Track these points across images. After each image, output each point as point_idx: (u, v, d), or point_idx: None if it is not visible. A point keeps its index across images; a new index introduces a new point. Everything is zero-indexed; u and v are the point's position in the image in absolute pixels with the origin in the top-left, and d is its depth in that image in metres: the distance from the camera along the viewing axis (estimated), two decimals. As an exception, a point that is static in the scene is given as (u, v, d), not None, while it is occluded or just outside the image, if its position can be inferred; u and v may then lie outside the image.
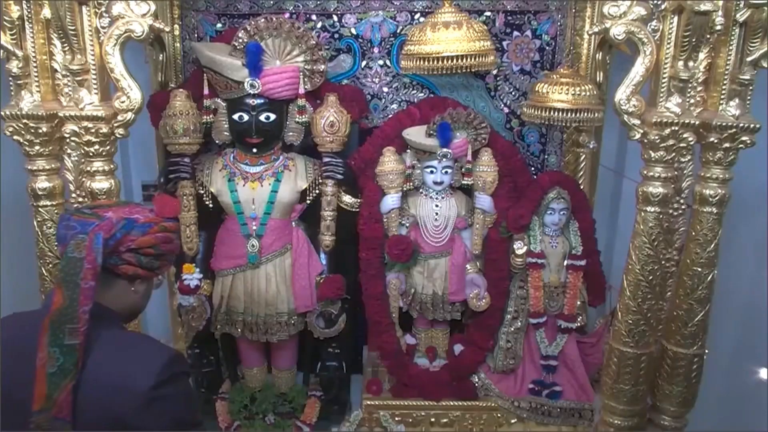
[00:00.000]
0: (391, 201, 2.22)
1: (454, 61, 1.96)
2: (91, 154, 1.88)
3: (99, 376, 1.23)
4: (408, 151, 2.22)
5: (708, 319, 2.08)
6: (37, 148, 1.88)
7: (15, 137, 1.87)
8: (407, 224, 2.27)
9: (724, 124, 1.85)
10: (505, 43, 2.33)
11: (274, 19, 2.05)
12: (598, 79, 2.22)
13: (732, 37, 1.82)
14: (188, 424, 1.31)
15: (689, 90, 1.86)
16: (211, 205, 2.21)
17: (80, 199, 1.99)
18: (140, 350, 1.30)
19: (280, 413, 2.35)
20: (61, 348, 1.20)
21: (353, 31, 2.33)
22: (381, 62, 2.37)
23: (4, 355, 1.26)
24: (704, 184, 1.95)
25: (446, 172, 2.19)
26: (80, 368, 1.22)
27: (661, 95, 1.82)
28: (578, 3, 2.26)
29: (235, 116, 2.10)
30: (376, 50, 2.35)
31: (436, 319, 2.34)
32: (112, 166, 1.93)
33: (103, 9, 1.80)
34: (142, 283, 1.39)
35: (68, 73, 1.85)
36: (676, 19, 1.76)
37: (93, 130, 1.84)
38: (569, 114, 2.01)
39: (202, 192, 2.19)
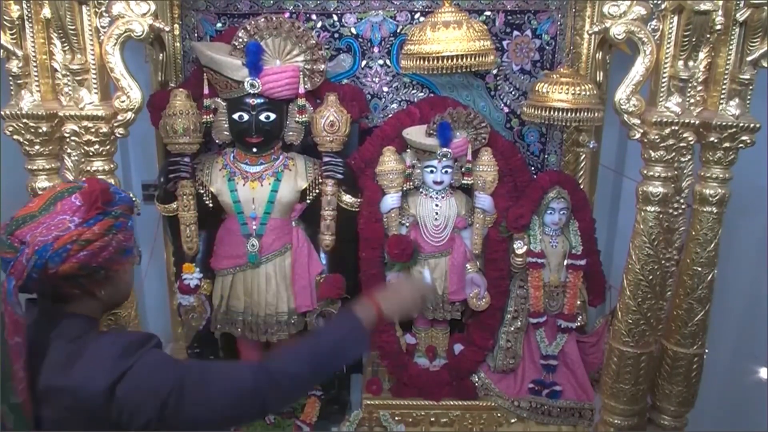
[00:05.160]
0: (391, 201, 2.22)
1: (454, 60, 1.96)
2: (91, 153, 1.88)
3: (59, 399, 1.19)
4: (408, 150, 2.22)
5: (708, 318, 2.08)
6: (37, 147, 1.88)
7: (15, 137, 1.87)
8: (407, 224, 2.27)
9: (724, 123, 1.85)
10: (505, 43, 2.33)
11: (274, 18, 2.05)
12: (598, 78, 2.22)
13: (732, 37, 1.82)
14: (169, 390, 1.21)
15: (689, 90, 1.86)
16: (211, 205, 2.21)
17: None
18: (90, 360, 1.21)
19: (280, 413, 2.34)
20: (10, 407, 1.15)
21: (353, 30, 2.33)
22: (381, 62, 2.37)
23: None
24: (704, 184, 1.95)
25: (446, 172, 2.18)
26: (32, 422, 1.17)
27: (661, 95, 1.82)
28: (578, 2, 2.26)
29: (235, 116, 2.10)
30: (376, 50, 2.36)
31: (436, 318, 2.34)
32: (112, 166, 1.93)
33: (103, 8, 1.80)
34: (103, 287, 1.29)
35: (68, 73, 1.85)
36: (676, 18, 1.76)
37: (93, 130, 1.85)
38: (569, 114, 2.01)
39: (202, 192, 2.19)
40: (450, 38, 1.96)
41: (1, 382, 1.15)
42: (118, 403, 1.18)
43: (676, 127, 1.81)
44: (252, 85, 2.03)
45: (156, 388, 1.20)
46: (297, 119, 2.15)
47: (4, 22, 1.78)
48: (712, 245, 1.99)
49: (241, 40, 2.04)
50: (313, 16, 2.32)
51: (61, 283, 1.22)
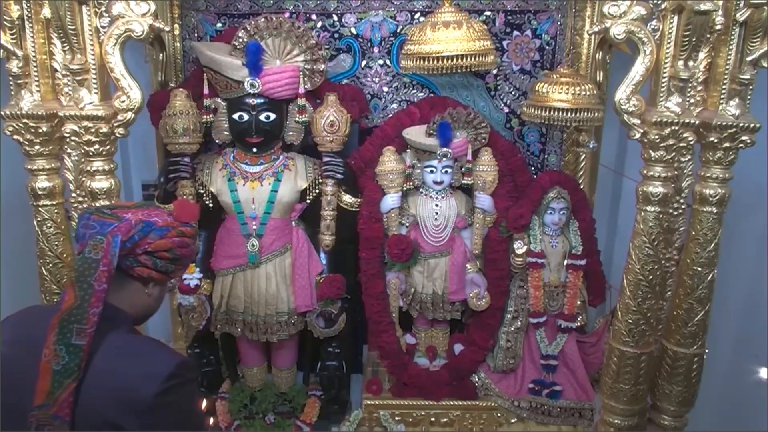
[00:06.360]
0: (391, 201, 2.22)
1: (454, 60, 1.96)
2: (91, 153, 1.88)
3: (102, 379, 1.23)
4: (408, 150, 2.22)
5: (708, 318, 2.08)
6: (37, 147, 1.88)
7: (15, 137, 1.87)
8: (407, 224, 2.27)
9: (724, 123, 1.85)
10: (505, 43, 2.33)
11: (274, 18, 2.05)
12: (598, 78, 2.22)
13: (732, 37, 1.83)
14: (190, 428, 1.30)
15: (689, 90, 1.86)
16: (211, 205, 2.21)
17: (80, 199, 1.99)
18: (147, 356, 1.29)
19: (280, 413, 2.35)
20: (67, 347, 1.21)
21: (353, 30, 2.33)
22: (381, 62, 2.37)
23: (19, 347, 1.26)
24: (704, 184, 1.95)
25: (446, 172, 2.18)
26: (83, 369, 1.22)
27: (661, 95, 1.82)
28: (578, 2, 2.26)
29: (235, 116, 2.10)
30: (376, 50, 2.35)
31: (436, 318, 2.34)
32: (112, 166, 1.93)
33: (103, 9, 1.80)
34: (155, 286, 1.39)
35: (68, 73, 1.85)
36: (676, 18, 1.76)
37: (93, 130, 1.85)
38: (569, 114, 2.01)
39: (202, 192, 2.19)
40: (450, 38, 1.96)
41: (68, 321, 1.22)
42: (147, 418, 1.22)
43: (676, 127, 1.81)
44: (252, 85, 2.03)
45: (177, 426, 1.27)
46: (297, 119, 2.15)
47: (4, 22, 1.79)
48: (712, 245, 1.99)
49: (241, 40, 2.04)
50: (313, 16, 2.32)
51: (145, 258, 1.32)
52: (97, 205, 1.87)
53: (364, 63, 2.37)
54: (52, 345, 1.21)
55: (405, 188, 2.23)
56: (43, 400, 1.20)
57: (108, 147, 1.89)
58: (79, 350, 1.21)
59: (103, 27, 1.82)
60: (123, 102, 1.85)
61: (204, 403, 2.17)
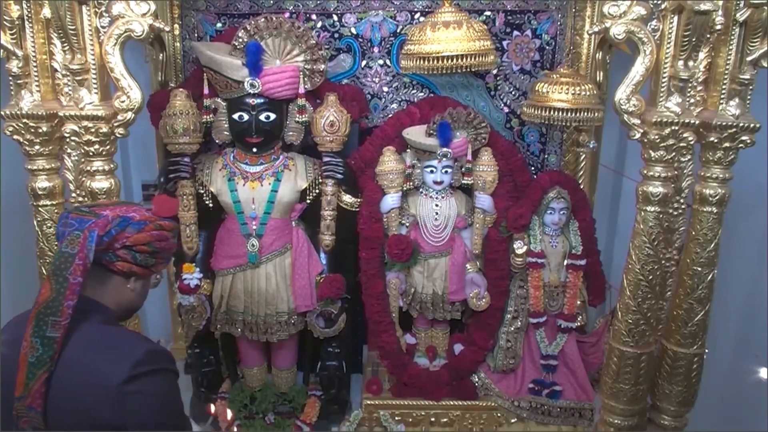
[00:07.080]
0: (391, 200, 2.22)
1: (454, 60, 1.96)
2: (91, 153, 1.88)
3: (73, 369, 1.24)
4: (408, 150, 2.22)
5: (708, 318, 2.08)
6: (37, 147, 1.88)
7: (15, 137, 1.87)
8: (407, 224, 2.27)
9: (724, 123, 1.85)
10: (505, 43, 2.33)
11: (274, 18, 2.05)
12: (598, 78, 2.22)
13: (732, 37, 1.83)
14: (166, 423, 1.30)
15: (689, 90, 1.86)
16: (211, 205, 2.21)
17: (80, 199, 1.99)
18: (117, 344, 1.30)
19: (280, 413, 2.34)
20: (42, 339, 1.23)
21: (353, 30, 2.33)
22: (381, 62, 2.37)
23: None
24: (704, 184, 1.96)
25: (446, 172, 2.18)
26: (56, 361, 1.23)
27: (661, 95, 1.82)
28: (578, 2, 2.26)
29: (235, 116, 2.10)
30: (376, 50, 2.36)
31: (436, 318, 2.34)
32: (112, 166, 1.93)
33: (103, 9, 1.81)
34: (137, 281, 1.40)
35: (68, 73, 1.85)
36: (676, 18, 1.76)
37: (93, 130, 1.85)
38: (569, 114, 2.01)
39: (202, 191, 2.19)
40: (450, 38, 1.96)
41: (44, 314, 1.24)
42: (117, 406, 1.22)
43: (676, 127, 1.82)
44: (252, 85, 2.03)
45: (151, 417, 1.27)
46: (297, 119, 2.15)
47: (4, 22, 1.79)
48: (712, 245, 1.99)
49: (241, 40, 2.04)
50: (313, 16, 2.32)
51: (123, 253, 1.34)
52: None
53: (364, 63, 2.37)
54: (29, 337, 1.23)
55: (405, 188, 2.23)
56: (21, 392, 1.22)
57: (108, 147, 1.89)
58: (53, 342, 1.23)
59: (103, 27, 1.82)
60: (123, 102, 1.85)
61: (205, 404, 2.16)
